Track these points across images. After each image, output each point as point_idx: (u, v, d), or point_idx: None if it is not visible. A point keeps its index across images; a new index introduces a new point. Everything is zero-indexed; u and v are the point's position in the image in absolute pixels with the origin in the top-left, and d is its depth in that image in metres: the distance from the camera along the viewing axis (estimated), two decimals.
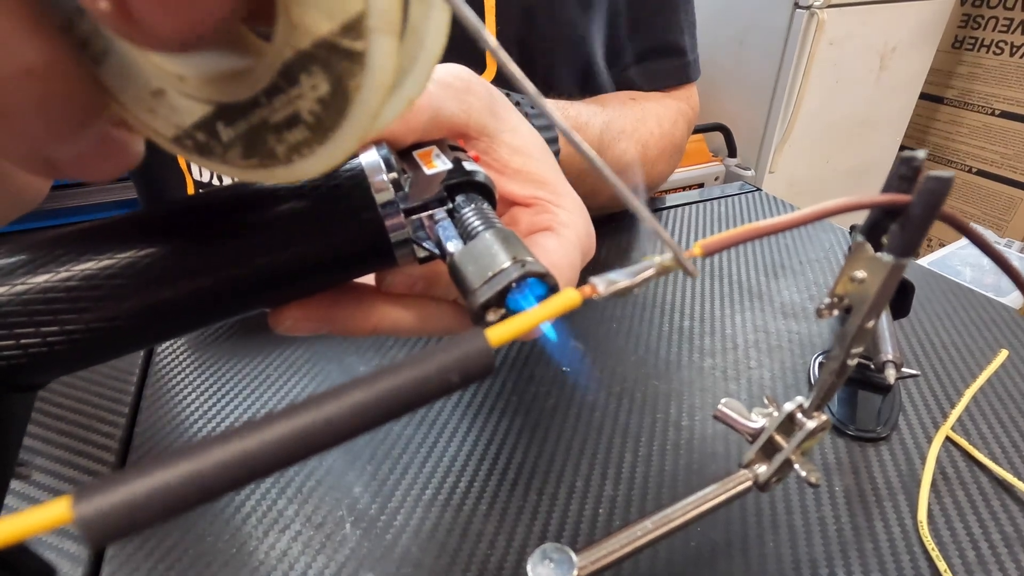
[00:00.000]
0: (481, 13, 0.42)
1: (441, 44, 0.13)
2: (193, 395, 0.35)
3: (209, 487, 0.08)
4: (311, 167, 0.12)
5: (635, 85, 0.51)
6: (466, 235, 0.17)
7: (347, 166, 0.17)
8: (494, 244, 0.16)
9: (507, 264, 0.15)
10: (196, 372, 0.37)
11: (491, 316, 0.15)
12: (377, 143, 0.18)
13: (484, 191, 0.19)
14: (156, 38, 0.10)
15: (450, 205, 0.18)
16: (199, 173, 0.45)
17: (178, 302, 0.16)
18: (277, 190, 0.17)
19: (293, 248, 0.17)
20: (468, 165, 0.19)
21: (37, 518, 0.07)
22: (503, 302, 0.15)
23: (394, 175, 0.17)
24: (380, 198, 0.17)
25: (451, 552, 0.26)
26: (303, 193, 0.17)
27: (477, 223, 0.17)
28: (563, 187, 0.23)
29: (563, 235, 0.21)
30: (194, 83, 0.12)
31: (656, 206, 0.57)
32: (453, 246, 0.17)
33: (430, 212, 0.18)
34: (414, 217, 0.17)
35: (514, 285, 0.15)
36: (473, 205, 0.18)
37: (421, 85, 0.14)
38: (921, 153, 0.13)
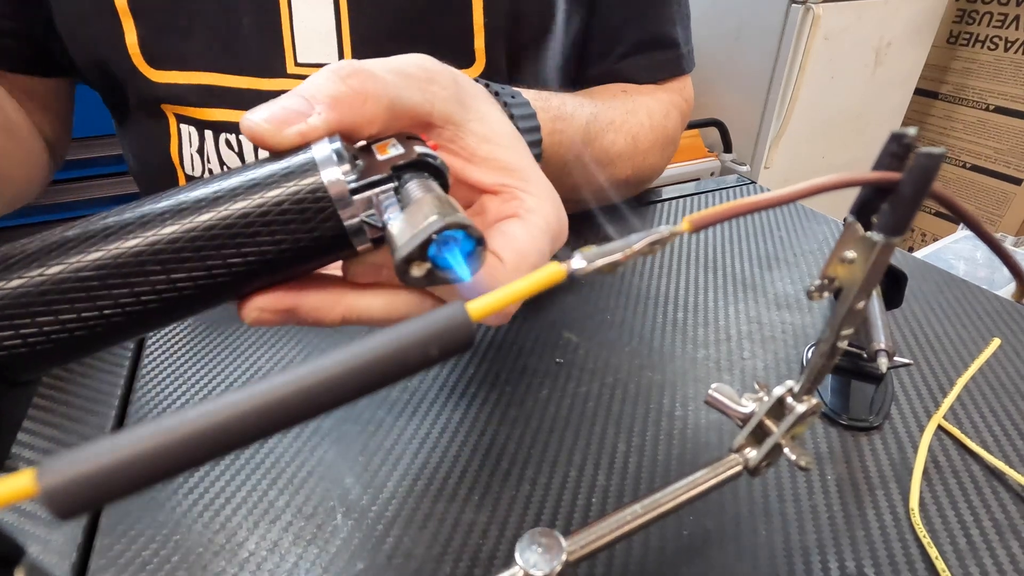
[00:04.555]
0: (469, 5, 0.41)
1: None
2: (184, 387, 0.35)
3: (178, 458, 0.08)
4: None
5: (628, 77, 0.51)
6: (406, 207, 0.17)
7: (299, 158, 0.17)
8: (425, 205, 0.16)
9: (432, 218, 0.15)
10: (188, 365, 0.37)
11: (415, 271, 0.16)
12: (330, 136, 0.18)
13: (435, 172, 0.19)
14: None
15: (396, 183, 0.18)
16: (191, 167, 0.44)
17: (143, 299, 0.16)
18: (232, 184, 0.17)
19: (249, 244, 0.16)
20: (420, 148, 0.18)
21: (1, 489, 0.07)
22: (425, 255, 0.15)
23: (346, 166, 0.17)
24: (332, 189, 0.17)
25: (443, 542, 0.26)
26: (257, 185, 0.17)
27: (417, 193, 0.17)
28: (532, 173, 0.23)
29: (529, 221, 0.21)
30: None
31: (651, 199, 0.57)
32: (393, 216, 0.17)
33: (376, 191, 0.18)
34: (358, 197, 0.17)
35: (435, 236, 0.15)
36: (417, 181, 0.18)
37: None
38: (912, 130, 0.13)
